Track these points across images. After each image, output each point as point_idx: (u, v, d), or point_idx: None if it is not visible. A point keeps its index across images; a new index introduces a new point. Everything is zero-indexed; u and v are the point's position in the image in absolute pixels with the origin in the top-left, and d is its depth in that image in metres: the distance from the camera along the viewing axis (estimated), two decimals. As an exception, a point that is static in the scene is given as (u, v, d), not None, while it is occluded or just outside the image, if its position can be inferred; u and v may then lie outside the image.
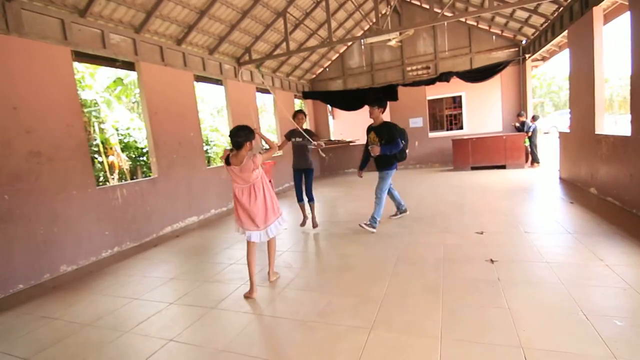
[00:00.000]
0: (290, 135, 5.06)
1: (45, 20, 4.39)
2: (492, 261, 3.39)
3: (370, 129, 4.89)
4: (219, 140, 13.23)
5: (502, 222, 4.59)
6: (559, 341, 2.12)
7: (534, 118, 9.30)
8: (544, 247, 3.63)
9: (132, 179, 10.45)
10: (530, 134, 9.06)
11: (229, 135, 3.02)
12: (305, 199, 5.18)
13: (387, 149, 4.60)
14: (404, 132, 4.79)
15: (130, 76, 11.23)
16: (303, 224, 5.32)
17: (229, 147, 3.17)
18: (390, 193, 5.23)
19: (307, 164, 5.09)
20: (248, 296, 3.16)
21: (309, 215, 5.33)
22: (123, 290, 3.61)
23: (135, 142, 10.56)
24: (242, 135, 2.98)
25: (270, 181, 8.26)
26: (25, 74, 4.11)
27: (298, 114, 4.96)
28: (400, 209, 5.38)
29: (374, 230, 4.71)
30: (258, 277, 3.54)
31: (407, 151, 4.87)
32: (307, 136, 4.96)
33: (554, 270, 3.06)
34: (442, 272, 3.25)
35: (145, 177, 9.52)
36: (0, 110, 3.84)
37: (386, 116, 11.47)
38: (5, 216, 3.81)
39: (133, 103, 14.27)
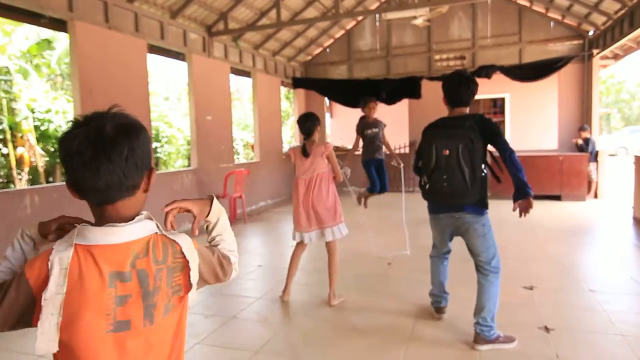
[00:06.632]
0: (363, 127, 6.29)
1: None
2: (547, 329, 3.35)
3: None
4: (175, 137, 13.12)
5: (559, 275, 4.59)
6: None
7: None
8: (616, 313, 3.60)
9: (48, 181, 10.23)
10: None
11: (298, 122, 4.06)
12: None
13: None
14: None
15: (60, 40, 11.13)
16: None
17: (294, 145, 3.95)
18: None
19: (381, 154, 6.44)
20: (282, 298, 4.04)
21: None
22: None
23: (57, 130, 10.39)
24: (310, 120, 3.97)
25: (240, 196, 8.19)
26: None
27: (369, 102, 6.14)
28: None
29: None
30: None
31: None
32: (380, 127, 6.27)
33: (631, 347, 3.03)
34: (480, 340, 3.19)
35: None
36: None
37: (404, 118, 11.64)
38: None
39: (57, 76, 14.13)
